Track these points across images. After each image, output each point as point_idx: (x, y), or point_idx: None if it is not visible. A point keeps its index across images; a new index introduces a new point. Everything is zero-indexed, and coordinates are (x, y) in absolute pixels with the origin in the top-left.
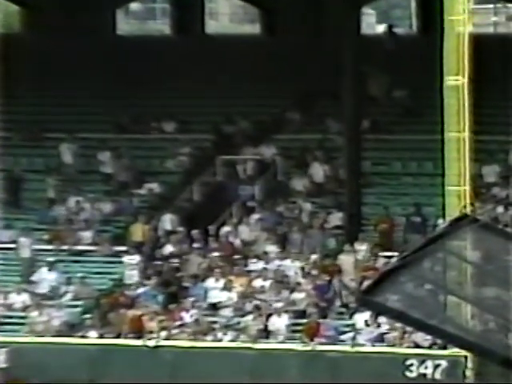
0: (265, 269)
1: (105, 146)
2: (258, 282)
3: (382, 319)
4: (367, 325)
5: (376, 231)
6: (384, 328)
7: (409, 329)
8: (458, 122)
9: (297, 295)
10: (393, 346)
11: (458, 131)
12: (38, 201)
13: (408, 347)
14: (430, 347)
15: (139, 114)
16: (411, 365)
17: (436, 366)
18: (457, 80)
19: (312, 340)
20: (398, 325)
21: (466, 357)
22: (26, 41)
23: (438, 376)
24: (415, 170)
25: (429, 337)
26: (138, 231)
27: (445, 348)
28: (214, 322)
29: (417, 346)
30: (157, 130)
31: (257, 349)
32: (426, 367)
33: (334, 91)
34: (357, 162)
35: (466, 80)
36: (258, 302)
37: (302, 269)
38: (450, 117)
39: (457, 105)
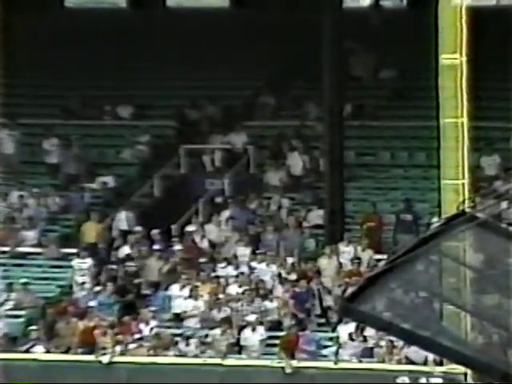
0: (238, 274)
1: (51, 133)
2: (228, 289)
3: (368, 331)
4: (351, 338)
5: (362, 231)
6: (371, 341)
7: (399, 342)
8: (455, 107)
9: (272, 304)
10: (382, 361)
11: (454, 117)
12: None
13: (399, 363)
14: (423, 363)
15: (90, 97)
16: (403, 383)
17: None
18: (453, 59)
19: (290, 355)
20: (387, 337)
21: (465, 374)
22: None
23: None
24: (406, 161)
25: (422, 351)
26: (90, 231)
27: (441, 364)
28: (178, 335)
29: (409, 361)
30: (111, 116)
31: (227, 365)
32: None
33: (313, 72)
34: (339, 152)
35: (463, 59)
36: (228, 312)
37: (279, 274)
38: (446, 100)
39: (453, 87)
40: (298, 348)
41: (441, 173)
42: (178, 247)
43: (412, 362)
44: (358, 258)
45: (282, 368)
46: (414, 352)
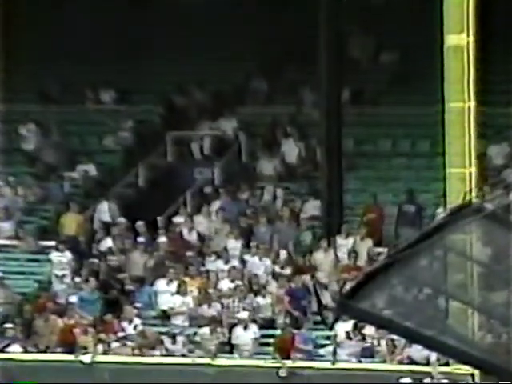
0: (229, 268)
1: (29, 119)
2: (218, 285)
3: (368, 329)
4: (349, 337)
5: (361, 223)
6: (370, 340)
7: (401, 341)
8: (461, 91)
9: (265, 300)
10: (382, 361)
11: (460, 101)
12: None
13: (401, 363)
14: (427, 363)
15: (71, 81)
16: None
17: None
18: (460, 39)
19: (285, 355)
20: (388, 336)
21: (471, 375)
22: None
23: None
24: (408, 149)
25: (426, 350)
26: (70, 223)
27: (446, 364)
28: (164, 334)
29: (412, 361)
30: (92, 100)
31: (217, 365)
32: None
33: (309, 55)
34: (337, 139)
35: (470, 39)
36: (218, 309)
37: (272, 269)
38: (451, 84)
39: (459, 69)
40: (293, 347)
41: (446, 161)
42: (164, 240)
43: (415, 363)
44: (357, 252)
45: (277, 368)
46: (417, 351)
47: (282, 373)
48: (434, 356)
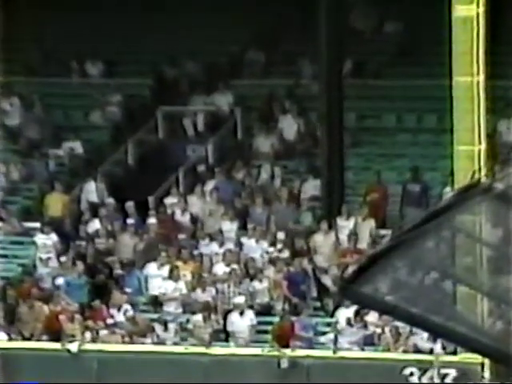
0: (224, 251)
1: (10, 92)
2: (212, 269)
3: (371, 316)
4: (350, 324)
5: (363, 203)
6: (373, 327)
7: (406, 328)
8: (470, 63)
9: (262, 285)
10: (387, 350)
11: (469, 75)
12: None
13: (406, 352)
14: (434, 352)
15: (55, 52)
16: (411, 374)
17: (443, 376)
18: (469, 10)
19: (284, 343)
20: (392, 323)
21: (481, 364)
22: None
23: None
24: (414, 124)
25: (432, 338)
26: (55, 203)
27: (454, 353)
28: (156, 320)
29: (417, 350)
30: (78, 73)
31: (212, 354)
32: (430, 377)
33: (308, 24)
34: (338, 114)
35: (480, 10)
36: (213, 295)
37: (269, 253)
38: (460, 56)
39: (468, 41)
40: (292, 335)
41: (453, 138)
42: (155, 221)
43: (420, 351)
44: (359, 234)
45: (275, 357)
46: (423, 340)
47: (284, 363)
48: (438, 345)
